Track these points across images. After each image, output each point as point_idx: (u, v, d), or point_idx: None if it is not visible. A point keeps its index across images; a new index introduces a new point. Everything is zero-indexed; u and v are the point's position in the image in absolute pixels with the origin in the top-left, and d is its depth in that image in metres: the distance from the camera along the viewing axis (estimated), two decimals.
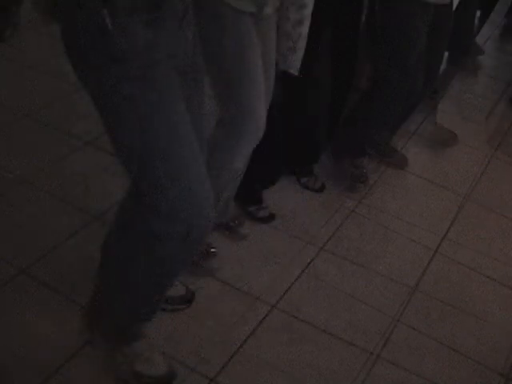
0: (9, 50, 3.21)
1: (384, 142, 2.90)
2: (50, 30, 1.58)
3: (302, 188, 2.66)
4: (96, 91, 1.47)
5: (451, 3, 2.60)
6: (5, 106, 2.82)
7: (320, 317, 2.09)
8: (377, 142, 2.87)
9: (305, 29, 2.04)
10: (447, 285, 2.30)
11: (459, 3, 2.64)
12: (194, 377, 1.85)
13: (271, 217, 2.47)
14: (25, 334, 1.87)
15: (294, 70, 2.10)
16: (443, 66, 3.26)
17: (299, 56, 2.08)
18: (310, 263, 2.29)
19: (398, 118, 2.83)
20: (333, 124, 2.70)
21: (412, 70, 2.67)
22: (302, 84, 2.31)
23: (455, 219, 2.60)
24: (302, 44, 2.06)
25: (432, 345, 2.07)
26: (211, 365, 1.88)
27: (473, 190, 2.78)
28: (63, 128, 2.74)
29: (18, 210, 2.30)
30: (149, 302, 1.73)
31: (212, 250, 2.21)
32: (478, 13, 3.86)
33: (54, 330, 1.89)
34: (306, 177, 2.68)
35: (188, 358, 1.89)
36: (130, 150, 1.49)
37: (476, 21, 3.84)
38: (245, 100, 1.90)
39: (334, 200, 2.63)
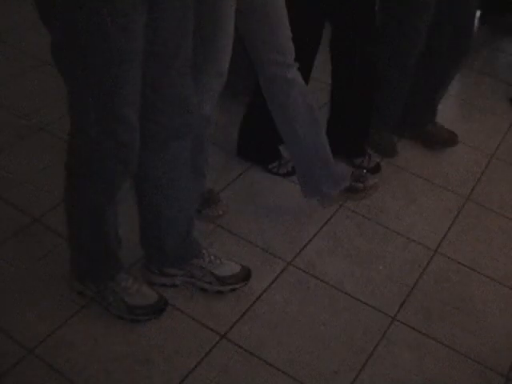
0: (9, 49, 3.22)
1: (384, 141, 2.90)
2: None
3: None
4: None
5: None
6: (5, 105, 2.82)
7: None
8: (377, 141, 2.87)
9: None
10: (447, 285, 2.30)
11: (459, 3, 2.64)
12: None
13: (293, 171, 2.52)
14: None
15: None
16: None
17: None
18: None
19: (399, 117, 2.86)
20: (333, 124, 2.70)
21: (412, 69, 2.67)
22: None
23: (455, 219, 2.60)
24: None
25: (432, 345, 2.07)
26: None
27: (473, 189, 2.77)
28: (64, 128, 2.73)
29: (18, 210, 2.30)
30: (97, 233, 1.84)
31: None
32: (478, 13, 3.86)
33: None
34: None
35: (189, 358, 1.90)
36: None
37: (476, 21, 3.83)
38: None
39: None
